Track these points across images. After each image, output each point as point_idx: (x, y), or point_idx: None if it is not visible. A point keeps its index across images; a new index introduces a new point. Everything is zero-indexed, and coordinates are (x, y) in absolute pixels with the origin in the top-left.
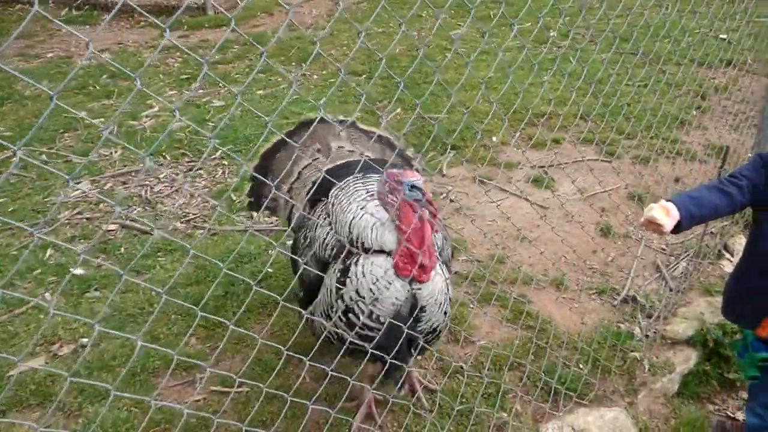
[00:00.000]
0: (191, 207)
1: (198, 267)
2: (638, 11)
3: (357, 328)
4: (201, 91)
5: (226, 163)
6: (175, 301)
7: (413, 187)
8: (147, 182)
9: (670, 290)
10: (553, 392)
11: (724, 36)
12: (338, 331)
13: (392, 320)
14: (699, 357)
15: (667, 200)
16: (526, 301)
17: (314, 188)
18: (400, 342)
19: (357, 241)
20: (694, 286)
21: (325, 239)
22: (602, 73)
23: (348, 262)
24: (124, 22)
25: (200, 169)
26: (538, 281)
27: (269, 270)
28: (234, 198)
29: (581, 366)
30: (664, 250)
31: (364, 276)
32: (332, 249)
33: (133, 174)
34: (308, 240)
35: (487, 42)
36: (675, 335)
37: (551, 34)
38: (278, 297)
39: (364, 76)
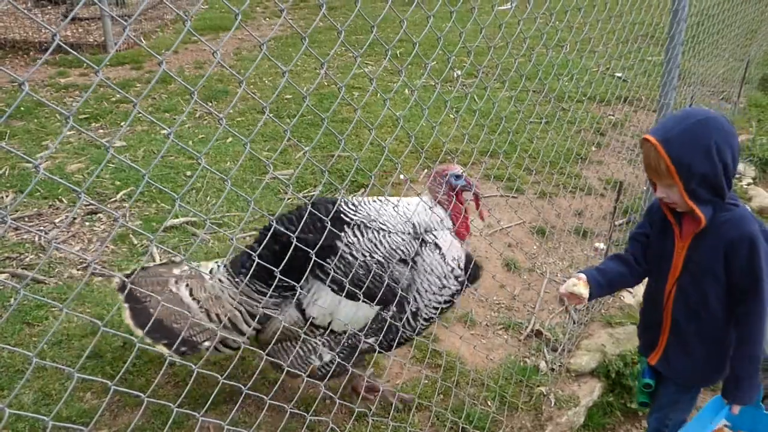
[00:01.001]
0: (89, 252)
1: (95, 316)
2: (542, 51)
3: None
4: (101, 131)
5: (126, 205)
6: (48, 363)
7: (458, 176)
8: (42, 227)
9: (574, 323)
10: None
11: (620, 74)
12: (434, 306)
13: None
14: (603, 388)
15: (579, 271)
16: (431, 340)
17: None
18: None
19: (421, 229)
20: (596, 318)
21: (403, 242)
22: (498, 110)
23: (431, 240)
24: (19, 59)
25: (98, 212)
26: (447, 318)
27: None
28: (135, 242)
29: (489, 403)
30: None
31: (449, 243)
32: (415, 243)
33: (26, 219)
34: (381, 261)
35: (394, 81)
36: (579, 368)
37: (457, 72)
38: (165, 352)
39: (272, 114)
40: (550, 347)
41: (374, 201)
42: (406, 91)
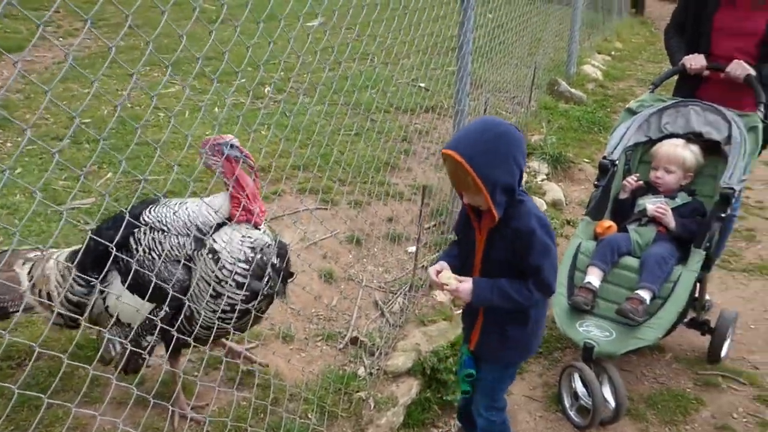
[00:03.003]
0: None
1: None
2: (347, 64)
3: (243, 291)
4: None
5: None
6: None
7: (232, 146)
8: None
9: (390, 326)
10: None
11: (423, 84)
12: (219, 308)
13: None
14: (420, 386)
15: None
16: (245, 360)
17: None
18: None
19: (204, 228)
20: (411, 319)
21: (177, 244)
22: (308, 124)
23: (208, 244)
24: None
25: None
26: (258, 334)
27: None
28: None
29: (309, 416)
30: (382, 288)
31: (229, 243)
32: (191, 244)
33: None
34: (154, 259)
35: (202, 99)
36: (396, 368)
37: (267, 89)
38: None
39: (68, 140)
40: (368, 352)
41: (170, 204)
42: (216, 109)
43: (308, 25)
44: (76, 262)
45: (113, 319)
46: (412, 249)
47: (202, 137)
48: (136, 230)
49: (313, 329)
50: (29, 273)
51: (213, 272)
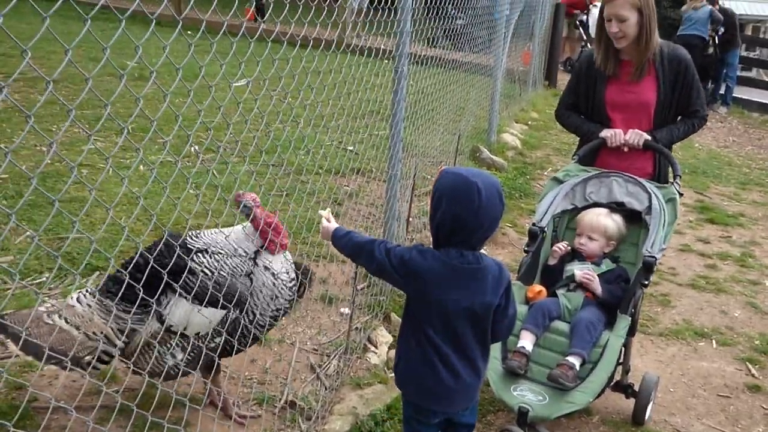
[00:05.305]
0: None
1: None
2: (278, 127)
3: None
4: None
5: None
6: None
7: (245, 205)
8: None
9: (326, 389)
10: None
11: (351, 148)
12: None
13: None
14: None
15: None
16: (183, 426)
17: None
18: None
19: (246, 251)
20: (346, 382)
21: (240, 262)
22: (239, 185)
23: (261, 263)
24: None
25: None
26: (198, 401)
27: None
28: None
29: None
30: (316, 350)
31: (274, 262)
32: (249, 262)
33: None
34: (226, 276)
35: (127, 157)
36: None
37: (195, 147)
38: None
39: None
40: (305, 416)
41: (210, 233)
42: (141, 167)
43: (237, 84)
44: (120, 296)
45: (177, 334)
46: (346, 311)
47: (127, 195)
48: (193, 255)
49: (247, 393)
50: (68, 323)
51: (271, 281)
